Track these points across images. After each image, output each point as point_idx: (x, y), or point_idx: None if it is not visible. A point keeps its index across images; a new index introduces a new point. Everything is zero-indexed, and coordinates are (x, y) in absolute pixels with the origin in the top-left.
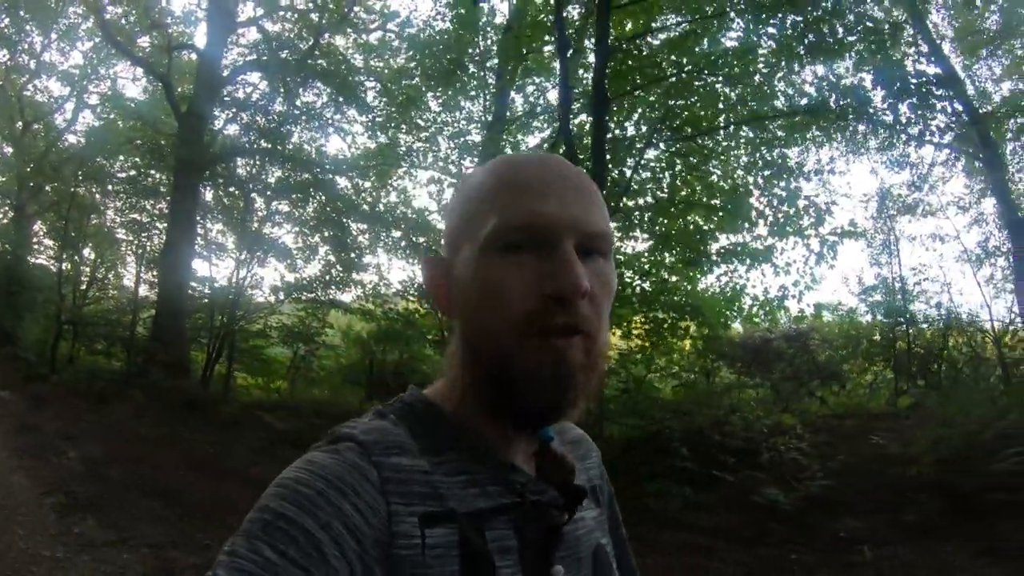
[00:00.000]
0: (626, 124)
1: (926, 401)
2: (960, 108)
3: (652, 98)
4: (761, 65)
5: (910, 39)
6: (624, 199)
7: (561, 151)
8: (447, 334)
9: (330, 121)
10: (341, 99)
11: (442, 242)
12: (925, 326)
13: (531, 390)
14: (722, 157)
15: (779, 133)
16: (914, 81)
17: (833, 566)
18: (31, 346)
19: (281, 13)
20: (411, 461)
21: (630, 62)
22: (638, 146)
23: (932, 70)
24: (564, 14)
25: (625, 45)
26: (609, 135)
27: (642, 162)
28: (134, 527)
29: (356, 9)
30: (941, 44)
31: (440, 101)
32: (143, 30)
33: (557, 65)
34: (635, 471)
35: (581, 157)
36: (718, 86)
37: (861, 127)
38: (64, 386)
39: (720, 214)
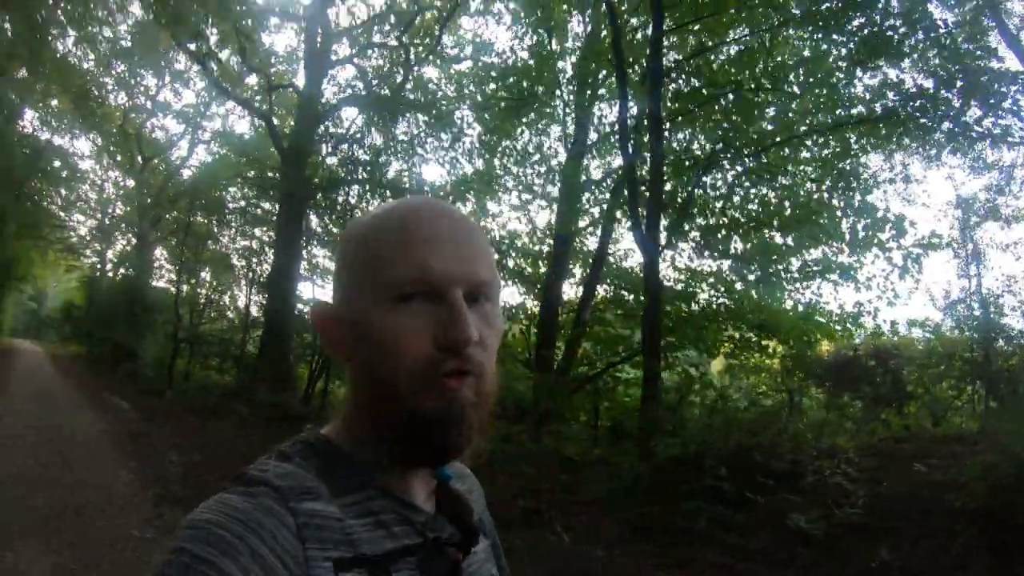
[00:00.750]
0: (692, 144)
1: (991, 425)
2: None
3: (715, 117)
4: (823, 75)
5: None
6: (686, 219)
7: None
8: (346, 375)
9: (424, 150)
10: (434, 128)
11: (331, 288)
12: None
13: (427, 430)
14: (790, 171)
15: (852, 142)
16: (984, 77)
17: None
18: (150, 363)
19: (373, 51)
20: (323, 506)
21: (691, 81)
22: (701, 166)
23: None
24: (626, 38)
25: (686, 66)
26: (672, 156)
27: (708, 181)
28: None
29: (444, 40)
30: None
31: (519, 130)
32: (245, 73)
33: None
34: (675, 489)
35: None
36: (778, 100)
37: (931, 129)
38: (177, 399)
39: (793, 231)
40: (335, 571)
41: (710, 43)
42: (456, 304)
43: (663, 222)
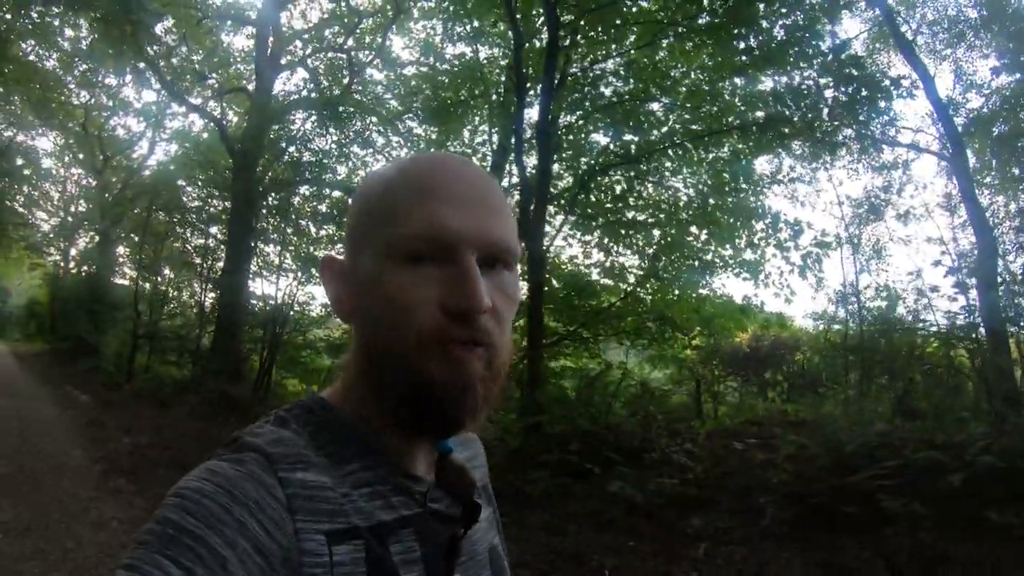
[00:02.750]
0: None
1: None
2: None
3: (606, 123)
4: (707, 84)
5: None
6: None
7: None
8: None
9: (373, 150)
10: (383, 129)
11: (342, 243)
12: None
13: (432, 401)
14: (683, 174)
15: (741, 147)
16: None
17: (666, 556)
18: (111, 358)
19: (323, 54)
20: (316, 476)
21: (585, 90)
22: (591, 170)
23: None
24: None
25: (579, 75)
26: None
27: (605, 182)
28: (153, 487)
29: (396, 43)
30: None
31: (460, 132)
32: (197, 79)
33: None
34: (531, 461)
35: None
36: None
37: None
38: (135, 392)
39: (669, 231)
40: (328, 544)
41: (602, 54)
42: (468, 267)
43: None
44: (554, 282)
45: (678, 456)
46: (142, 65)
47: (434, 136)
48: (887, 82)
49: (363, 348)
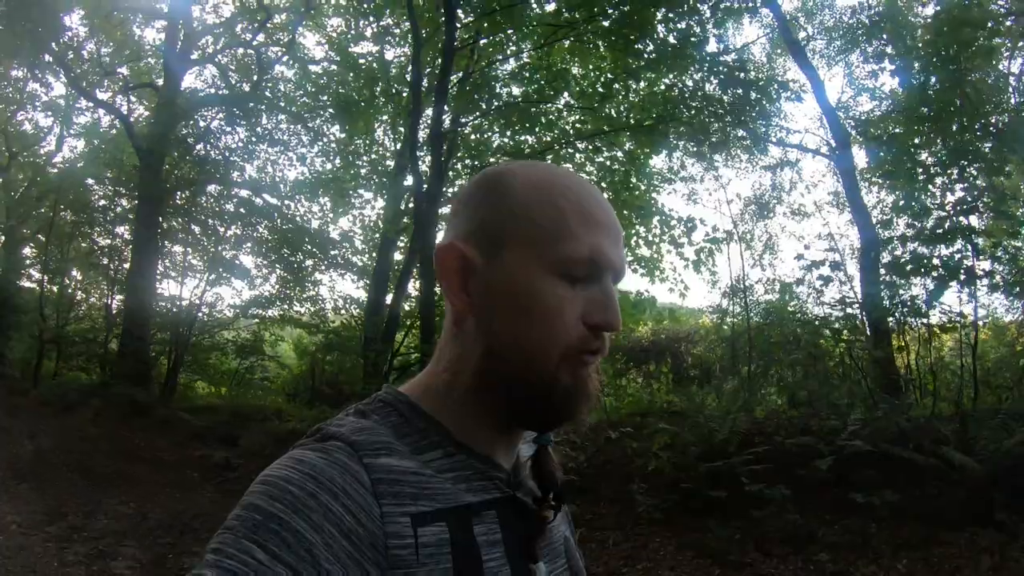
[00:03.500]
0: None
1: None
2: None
3: (496, 129)
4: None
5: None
6: None
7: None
8: (447, 329)
9: (281, 148)
10: (292, 126)
11: (462, 230)
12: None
13: (560, 404)
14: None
15: (631, 148)
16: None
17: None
18: (17, 364)
19: (232, 50)
20: (399, 461)
21: (480, 92)
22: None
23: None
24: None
25: (477, 77)
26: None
27: None
28: (53, 488)
29: (300, 41)
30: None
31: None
32: (105, 73)
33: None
34: None
35: None
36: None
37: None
38: (41, 398)
39: None
40: (413, 526)
41: (501, 57)
42: (611, 290)
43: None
44: None
45: (561, 446)
46: (48, 59)
47: (342, 134)
48: (774, 86)
49: (485, 346)
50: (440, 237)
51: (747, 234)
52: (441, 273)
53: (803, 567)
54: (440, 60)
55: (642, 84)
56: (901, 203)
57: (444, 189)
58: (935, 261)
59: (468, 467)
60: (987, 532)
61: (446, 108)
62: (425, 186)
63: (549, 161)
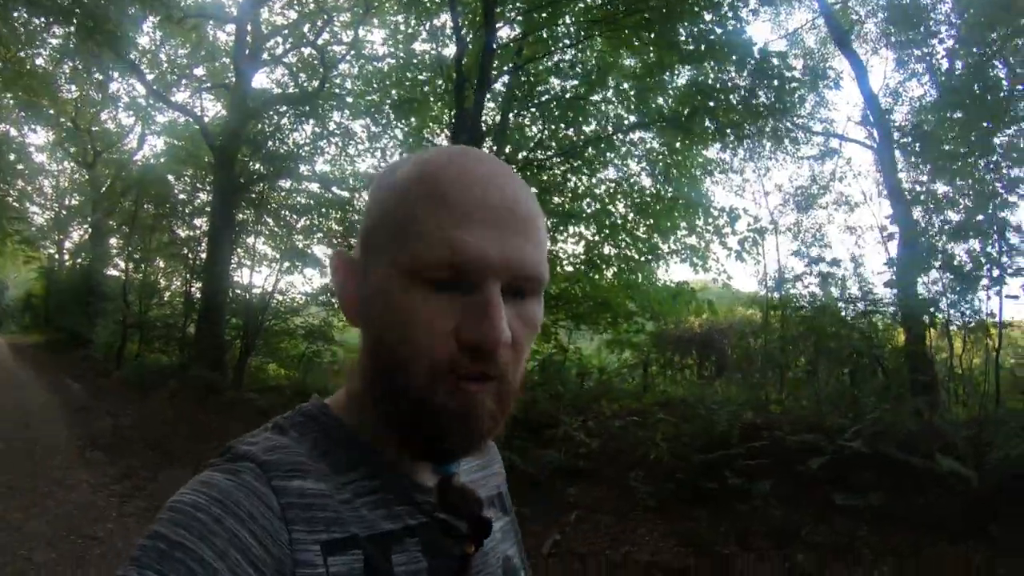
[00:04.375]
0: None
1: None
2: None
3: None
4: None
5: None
6: None
7: None
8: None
9: (352, 143)
10: (358, 120)
11: (356, 240)
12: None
13: (438, 431)
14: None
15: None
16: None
17: (542, 520)
18: (102, 347)
19: (299, 50)
20: (314, 484)
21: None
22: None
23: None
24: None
25: (520, 73)
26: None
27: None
28: (124, 458)
29: (363, 38)
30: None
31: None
32: (182, 74)
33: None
34: None
35: None
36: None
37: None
38: (123, 379)
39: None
40: (324, 554)
41: (540, 55)
42: (490, 300)
43: None
44: None
45: (577, 433)
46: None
47: (409, 127)
48: (807, 77)
49: (371, 359)
50: None
51: (794, 226)
52: (332, 281)
53: (780, 565)
54: (480, 56)
55: (681, 78)
56: (922, 196)
57: None
58: (963, 256)
59: (391, 489)
60: (978, 545)
61: (491, 105)
62: None
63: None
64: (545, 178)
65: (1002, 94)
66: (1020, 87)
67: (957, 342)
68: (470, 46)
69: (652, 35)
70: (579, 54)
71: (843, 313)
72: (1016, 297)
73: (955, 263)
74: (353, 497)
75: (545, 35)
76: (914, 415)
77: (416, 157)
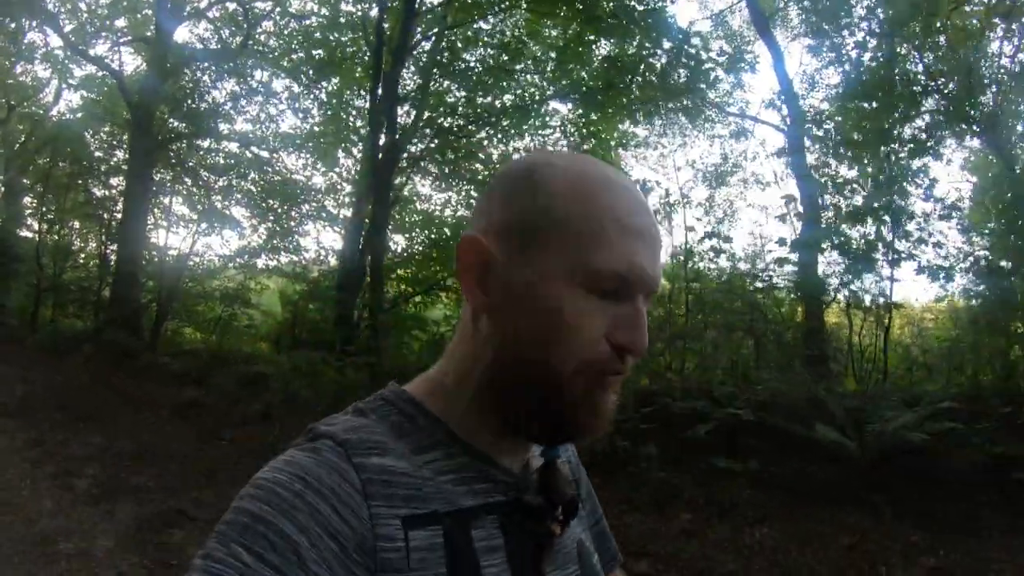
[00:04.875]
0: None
1: None
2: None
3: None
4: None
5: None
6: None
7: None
8: (461, 326)
9: (274, 101)
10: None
11: (489, 222)
12: None
13: (568, 420)
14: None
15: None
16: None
17: None
18: (15, 312)
19: (222, 5)
20: (394, 462)
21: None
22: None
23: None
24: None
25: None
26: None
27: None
28: (36, 423)
29: None
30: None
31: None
32: (98, 28)
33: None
34: None
35: None
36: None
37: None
38: (37, 345)
39: None
40: (404, 528)
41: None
42: (642, 311)
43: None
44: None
45: None
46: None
47: (332, 89)
48: (723, 58)
49: (499, 351)
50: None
51: (706, 200)
52: (460, 266)
53: (663, 524)
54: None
55: (602, 49)
56: (824, 179)
57: (404, 148)
58: (857, 239)
59: (470, 468)
60: (856, 512)
61: (411, 69)
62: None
63: (582, 155)
64: (464, 143)
65: (914, 88)
66: (935, 82)
67: (858, 320)
68: (391, 4)
69: (578, 6)
70: (501, 23)
71: (748, 287)
72: (898, 280)
73: (848, 246)
74: (434, 475)
75: (470, 1)
76: (799, 387)
77: (570, 161)
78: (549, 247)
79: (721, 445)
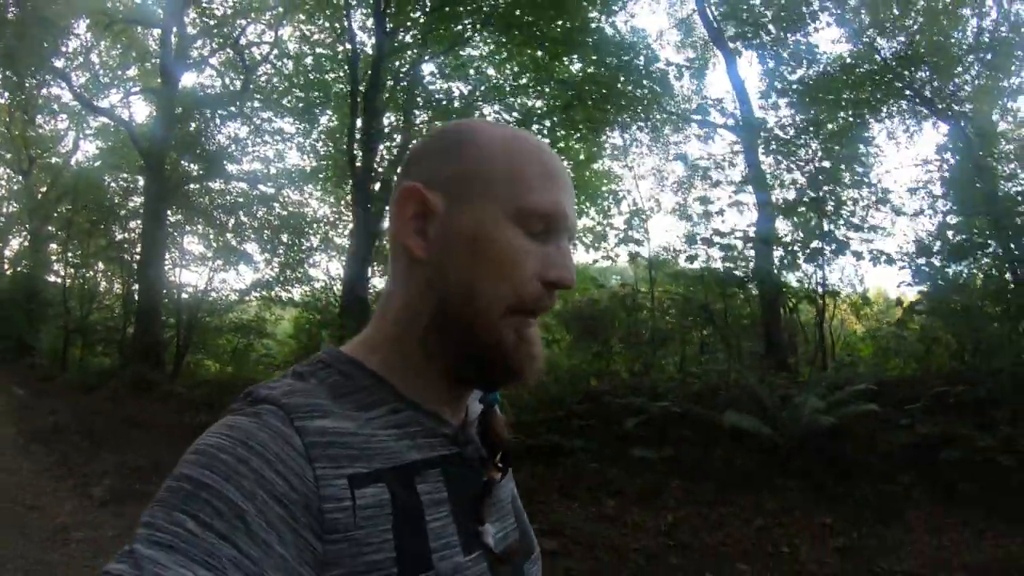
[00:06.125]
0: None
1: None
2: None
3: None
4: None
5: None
6: None
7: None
8: (395, 278)
9: (278, 139)
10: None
11: (425, 176)
12: None
13: (505, 362)
14: None
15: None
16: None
17: None
18: (46, 353)
19: (223, 52)
20: (336, 423)
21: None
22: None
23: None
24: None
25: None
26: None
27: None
28: (61, 447)
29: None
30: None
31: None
32: (111, 79)
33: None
34: None
35: None
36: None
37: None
38: (67, 382)
39: None
40: (351, 488)
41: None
42: (567, 249)
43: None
44: None
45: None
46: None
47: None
48: (670, 67)
49: (434, 294)
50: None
51: (678, 206)
52: (398, 214)
53: (591, 510)
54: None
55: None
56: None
57: (384, 180)
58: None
59: (413, 423)
60: (773, 498)
61: (389, 105)
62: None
63: None
64: None
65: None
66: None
67: (828, 312)
68: (365, 51)
69: (536, 31)
70: (457, 57)
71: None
72: (822, 267)
73: (781, 238)
74: (377, 432)
75: (441, 33)
76: (736, 377)
77: (501, 127)
78: (486, 195)
79: (653, 438)
